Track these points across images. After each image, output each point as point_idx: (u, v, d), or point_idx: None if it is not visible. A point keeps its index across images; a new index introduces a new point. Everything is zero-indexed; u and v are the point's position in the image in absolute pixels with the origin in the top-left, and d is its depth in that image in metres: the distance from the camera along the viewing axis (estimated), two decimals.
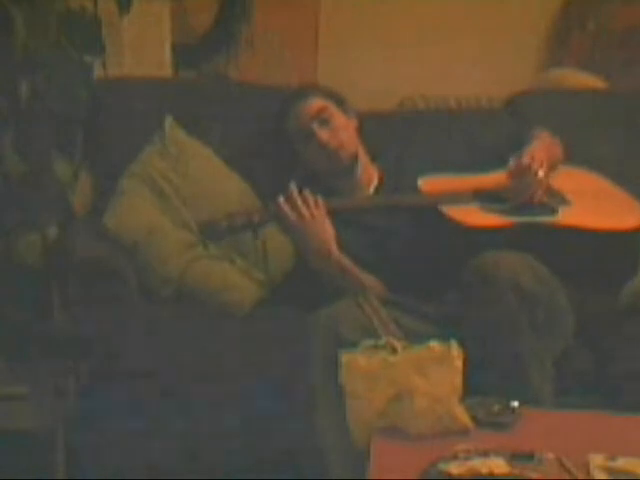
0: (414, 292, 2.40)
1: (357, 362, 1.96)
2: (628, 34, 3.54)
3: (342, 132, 2.64)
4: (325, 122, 2.63)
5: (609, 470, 1.76)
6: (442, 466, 1.74)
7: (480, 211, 2.52)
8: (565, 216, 2.52)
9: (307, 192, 2.47)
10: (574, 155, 2.80)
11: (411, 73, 3.43)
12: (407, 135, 2.90)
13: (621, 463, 1.78)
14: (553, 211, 2.53)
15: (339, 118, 2.66)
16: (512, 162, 2.51)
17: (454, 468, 1.73)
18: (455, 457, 1.77)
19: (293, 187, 2.46)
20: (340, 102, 2.69)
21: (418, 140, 2.91)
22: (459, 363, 1.96)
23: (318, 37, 3.55)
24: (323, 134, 2.62)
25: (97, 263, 2.49)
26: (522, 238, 2.42)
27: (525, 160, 2.48)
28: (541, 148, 2.57)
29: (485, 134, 2.88)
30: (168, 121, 2.84)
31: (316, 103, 2.65)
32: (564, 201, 2.57)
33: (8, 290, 2.57)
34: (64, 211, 2.66)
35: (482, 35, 3.51)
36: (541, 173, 2.49)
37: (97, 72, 2.71)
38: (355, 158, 2.65)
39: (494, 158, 2.61)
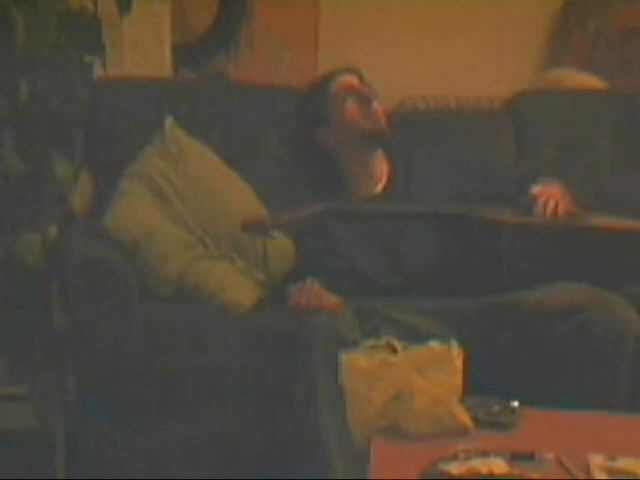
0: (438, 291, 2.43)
1: (357, 362, 1.96)
2: (628, 34, 3.54)
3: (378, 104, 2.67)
4: (367, 91, 2.66)
5: (609, 470, 1.76)
6: (442, 466, 1.74)
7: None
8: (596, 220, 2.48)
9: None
10: (574, 155, 2.79)
11: (411, 73, 3.43)
12: (407, 135, 2.90)
13: (621, 463, 1.78)
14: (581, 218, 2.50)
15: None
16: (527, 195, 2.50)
17: (454, 468, 1.73)
18: (455, 457, 1.77)
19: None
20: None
21: (425, 142, 2.92)
22: (459, 363, 1.96)
23: (318, 37, 3.55)
24: (366, 89, 2.64)
25: (97, 263, 2.49)
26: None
27: (537, 191, 2.48)
28: (552, 187, 2.55)
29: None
30: (168, 121, 2.84)
31: (358, 77, 2.69)
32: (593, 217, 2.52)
33: (8, 290, 2.57)
34: (64, 211, 2.67)
35: (482, 35, 3.51)
36: (561, 206, 2.45)
37: (97, 72, 2.71)
38: (384, 133, 2.65)
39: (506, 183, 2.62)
